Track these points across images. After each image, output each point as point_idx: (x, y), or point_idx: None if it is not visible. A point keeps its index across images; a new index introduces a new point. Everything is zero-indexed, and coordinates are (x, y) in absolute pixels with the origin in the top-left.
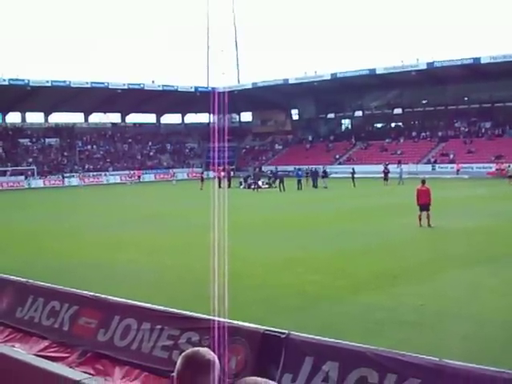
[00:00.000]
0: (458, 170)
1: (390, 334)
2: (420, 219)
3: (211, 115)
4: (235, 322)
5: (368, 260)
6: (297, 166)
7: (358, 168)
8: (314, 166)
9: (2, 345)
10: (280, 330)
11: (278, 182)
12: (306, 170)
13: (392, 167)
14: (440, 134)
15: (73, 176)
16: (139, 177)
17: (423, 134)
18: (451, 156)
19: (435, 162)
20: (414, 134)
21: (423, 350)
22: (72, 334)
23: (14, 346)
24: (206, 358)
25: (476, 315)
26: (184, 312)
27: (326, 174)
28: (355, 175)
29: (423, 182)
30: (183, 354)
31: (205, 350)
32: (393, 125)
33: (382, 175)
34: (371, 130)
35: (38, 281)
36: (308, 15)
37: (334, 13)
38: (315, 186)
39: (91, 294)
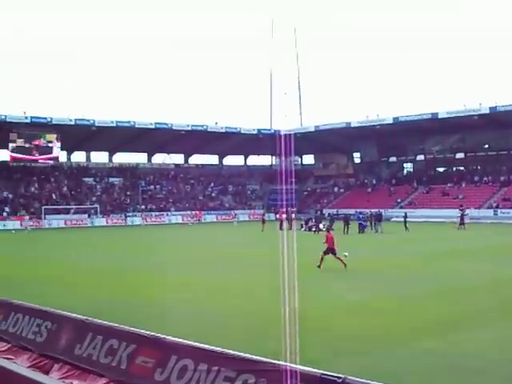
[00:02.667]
0: None
1: (449, 380)
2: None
3: (273, 157)
4: (292, 364)
5: (430, 305)
6: (358, 210)
7: (419, 212)
8: (374, 210)
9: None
10: (337, 375)
11: (342, 224)
12: (368, 214)
13: (454, 211)
14: (502, 178)
15: (135, 215)
16: (200, 218)
17: (485, 178)
18: None
19: (497, 206)
20: (475, 178)
21: None
22: (129, 373)
23: (72, 383)
24: None
25: None
26: (241, 354)
27: (380, 218)
28: (407, 219)
29: (328, 230)
30: None
31: None
32: (454, 169)
33: (458, 219)
34: (433, 174)
35: (97, 319)
36: (370, 59)
37: (396, 56)
38: (376, 230)
39: (149, 333)
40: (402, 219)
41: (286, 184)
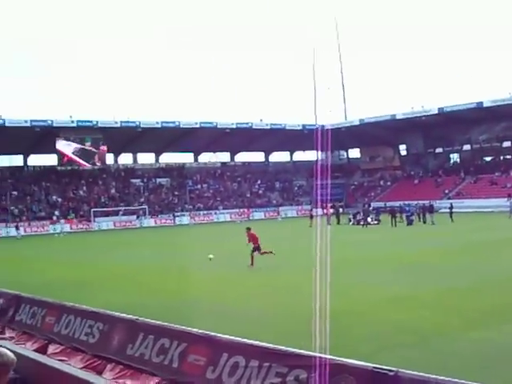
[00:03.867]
0: None
1: (501, 371)
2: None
3: (318, 152)
4: (343, 358)
5: (479, 296)
6: (405, 202)
7: (467, 203)
8: (423, 202)
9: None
10: (389, 368)
11: (389, 217)
12: (416, 206)
13: (502, 201)
14: None
15: (183, 215)
16: (248, 215)
17: None
18: None
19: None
20: None
21: None
22: (181, 371)
23: (125, 383)
24: None
25: None
26: (292, 349)
27: (432, 210)
28: (453, 210)
29: (249, 228)
30: None
31: None
32: (502, 158)
33: (510, 209)
34: (480, 163)
35: (148, 318)
36: (413, 50)
37: (439, 46)
38: (424, 221)
39: (200, 331)
40: (448, 210)
41: (330, 179)
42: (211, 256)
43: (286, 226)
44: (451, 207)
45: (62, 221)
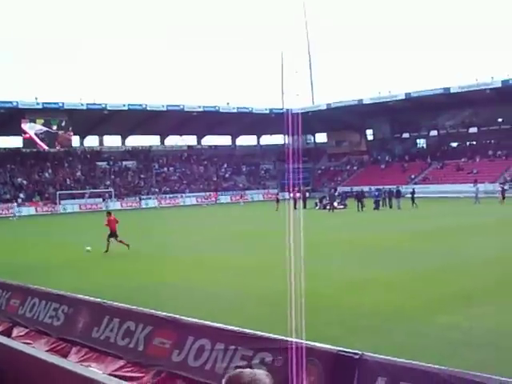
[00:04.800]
0: None
1: (466, 355)
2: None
3: (286, 136)
4: (308, 342)
5: (443, 280)
6: (373, 187)
7: (433, 188)
8: (389, 187)
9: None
10: (353, 351)
11: (356, 201)
12: (383, 191)
13: (468, 186)
14: None
15: (150, 198)
16: (216, 199)
17: (499, 152)
18: None
19: None
20: (489, 152)
21: (499, 372)
22: (147, 355)
23: (90, 366)
24: (246, 381)
25: None
26: (258, 332)
27: (399, 195)
28: (415, 195)
29: (109, 213)
30: (227, 375)
31: (248, 372)
32: (468, 144)
33: (500, 195)
34: (446, 149)
35: (114, 301)
36: (381, 34)
37: (406, 32)
38: (390, 206)
39: (166, 314)
40: (410, 195)
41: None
42: (88, 248)
43: (252, 210)
44: (413, 192)
45: (27, 203)
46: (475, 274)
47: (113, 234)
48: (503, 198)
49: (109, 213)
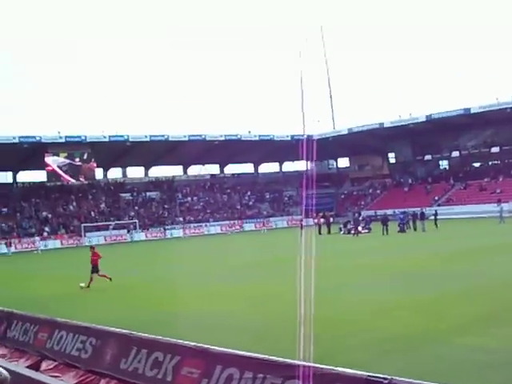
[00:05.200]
0: None
1: (490, 376)
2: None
3: (308, 162)
4: (337, 368)
5: (467, 302)
6: (396, 210)
7: (457, 209)
8: (413, 209)
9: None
10: (383, 376)
11: (381, 225)
12: (408, 213)
13: (492, 206)
14: None
15: (174, 228)
16: (241, 226)
17: None
18: None
19: None
20: None
21: None
22: None
23: None
24: None
25: None
26: (286, 360)
27: (423, 217)
28: (438, 216)
29: (92, 248)
30: None
31: None
32: (490, 163)
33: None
34: (469, 169)
35: (141, 332)
36: (400, 57)
37: (426, 52)
38: (415, 228)
39: (193, 344)
40: (433, 217)
41: (319, 188)
42: (82, 284)
43: (277, 237)
44: (436, 214)
45: (52, 236)
46: (499, 294)
47: (95, 269)
48: None
49: (92, 247)
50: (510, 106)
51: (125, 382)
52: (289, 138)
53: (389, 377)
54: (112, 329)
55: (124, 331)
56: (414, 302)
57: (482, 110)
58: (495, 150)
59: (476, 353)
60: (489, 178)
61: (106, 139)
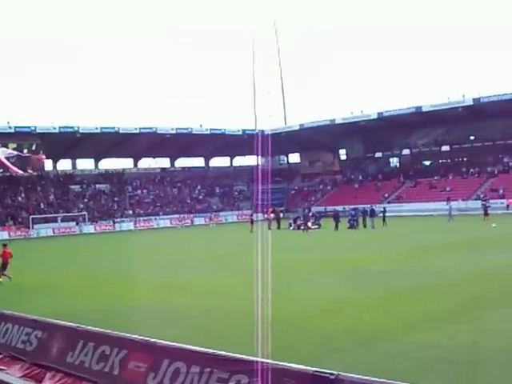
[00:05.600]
0: (508, 206)
1: (443, 372)
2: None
3: (259, 157)
4: (284, 363)
5: (417, 299)
6: (347, 206)
7: (407, 206)
8: (363, 206)
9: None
10: (329, 371)
11: (333, 221)
12: (358, 210)
13: (441, 204)
14: (489, 169)
15: (123, 221)
16: (192, 221)
17: (472, 170)
18: (500, 191)
19: (484, 197)
20: (462, 170)
21: None
22: (122, 378)
23: None
24: None
25: None
26: (233, 354)
27: (373, 214)
28: (386, 214)
29: (5, 245)
30: None
31: None
32: (441, 162)
33: (482, 211)
34: (419, 167)
35: (89, 325)
36: (353, 54)
37: (378, 51)
38: (365, 225)
39: (140, 337)
40: (381, 214)
41: (270, 183)
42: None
43: (226, 231)
44: (384, 211)
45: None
46: (449, 291)
47: (4, 267)
48: (486, 214)
49: (4, 245)
50: (460, 105)
51: (71, 376)
52: (240, 133)
53: (335, 372)
54: (59, 322)
55: (71, 324)
56: (363, 298)
57: (433, 108)
58: (446, 148)
59: (425, 349)
60: (439, 176)
61: (56, 130)
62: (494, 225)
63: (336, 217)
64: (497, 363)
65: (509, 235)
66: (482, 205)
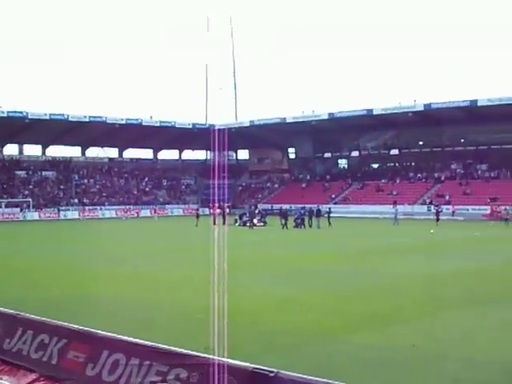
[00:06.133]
0: (453, 212)
1: (380, 373)
2: None
3: (208, 152)
4: (224, 359)
5: (360, 300)
6: (293, 205)
7: (354, 208)
8: (309, 205)
9: None
10: (269, 369)
11: (281, 219)
12: (306, 210)
13: (388, 207)
14: (436, 175)
15: (68, 209)
16: (138, 213)
17: (419, 174)
18: (447, 197)
19: (431, 202)
20: (410, 174)
21: None
22: (60, 368)
23: (1, 379)
24: None
25: (467, 357)
26: (173, 348)
27: (319, 214)
28: (331, 214)
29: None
30: None
31: None
32: (389, 165)
33: (435, 216)
34: (367, 170)
35: (27, 313)
36: (307, 54)
37: (332, 52)
38: (310, 225)
39: (80, 327)
40: (326, 215)
41: (220, 179)
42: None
43: (172, 224)
44: (329, 211)
45: None
46: (392, 293)
47: None
48: (437, 219)
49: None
50: (411, 110)
51: (8, 363)
52: (190, 126)
53: (275, 370)
54: None
55: (10, 311)
56: (307, 297)
57: (384, 112)
58: (394, 152)
59: (366, 350)
60: (386, 180)
61: (4, 114)
62: (432, 231)
63: (284, 215)
64: (432, 367)
65: (453, 240)
66: (435, 209)
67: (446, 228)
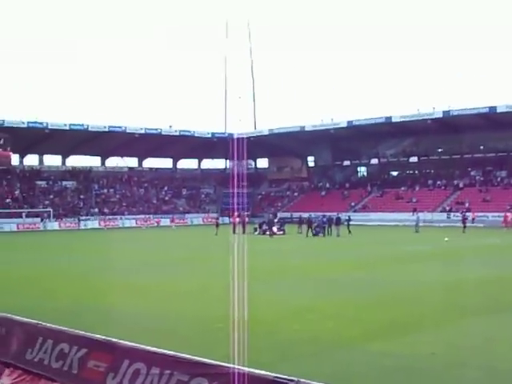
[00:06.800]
0: (473, 219)
1: (399, 382)
2: None
3: (228, 161)
4: (244, 368)
5: (379, 309)
6: (313, 213)
7: (373, 216)
8: (329, 214)
9: None
10: (289, 377)
11: (306, 227)
12: (328, 218)
13: (407, 215)
14: (455, 182)
15: (89, 219)
16: (158, 222)
17: (438, 182)
18: (466, 204)
19: (450, 210)
20: (429, 182)
21: None
22: (81, 378)
23: None
24: None
25: (488, 365)
26: (194, 357)
27: (339, 222)
28: (350, 222)
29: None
30: None
31: None
32: (408, 173)
33: (461, 224)
34: (387, 177)
35: (48, 323)
36: (326, 63)
37: (351, 61)
38: (330, 233)
39: (101, 337)
40: (346, 223)
41: (239, 188)
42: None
43: (195, 233)
44: (349, 219)
45: None
46: (412, 301)
47: None
48: (464, 226)
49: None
50: (430, 117)
51: (30, 373)
52: (209, 136)
53: (295, 379)
54: (18, 317)
55: (31, 321)
56: (326, 306)
57: (402, 119)
58: (413, 159)
59: (384, 358)
60: (406, 187)
61: (25, 125)
62: (446, 239)
63: (309, 223)
64: (453, 375)
65: (474, 247)
66: (462, 216)
67: (466, 235)
